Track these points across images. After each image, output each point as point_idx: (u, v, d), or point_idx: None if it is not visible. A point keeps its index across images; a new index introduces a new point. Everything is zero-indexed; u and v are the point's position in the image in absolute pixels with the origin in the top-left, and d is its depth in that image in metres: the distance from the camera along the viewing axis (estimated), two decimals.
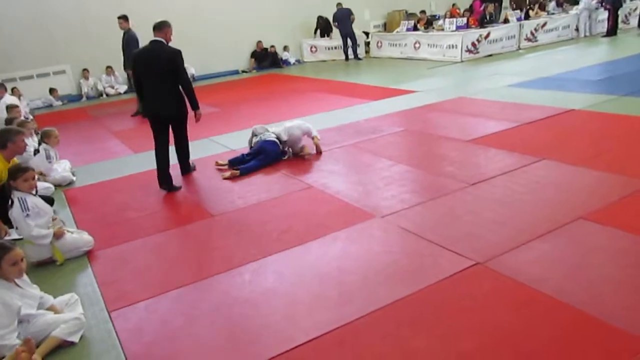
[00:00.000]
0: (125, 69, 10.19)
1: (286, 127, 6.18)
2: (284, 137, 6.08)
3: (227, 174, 5.70)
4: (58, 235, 4.01)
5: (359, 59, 15.44)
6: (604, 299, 2.86)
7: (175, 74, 5.33)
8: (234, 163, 5.97)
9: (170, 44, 5.46)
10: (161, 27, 5.42)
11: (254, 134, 6.27)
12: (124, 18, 9.74)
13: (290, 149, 6.17)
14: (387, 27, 17.29)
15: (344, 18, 14.85)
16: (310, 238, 3.98)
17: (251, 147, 6.20)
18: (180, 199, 5.16)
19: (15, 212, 3.87)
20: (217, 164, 6.13)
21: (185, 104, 5.56)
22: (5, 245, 2.99)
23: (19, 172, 3.94)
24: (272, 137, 6.04)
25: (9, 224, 4.29)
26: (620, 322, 2.65)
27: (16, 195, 3.89)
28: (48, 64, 12.78)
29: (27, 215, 3.86)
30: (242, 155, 6.11)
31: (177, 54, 5.32)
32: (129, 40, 9.63)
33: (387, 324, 2.85)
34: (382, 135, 6.73)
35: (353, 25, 15.02)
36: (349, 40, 15.21)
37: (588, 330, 2.63)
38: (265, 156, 5.91)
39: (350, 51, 15.38)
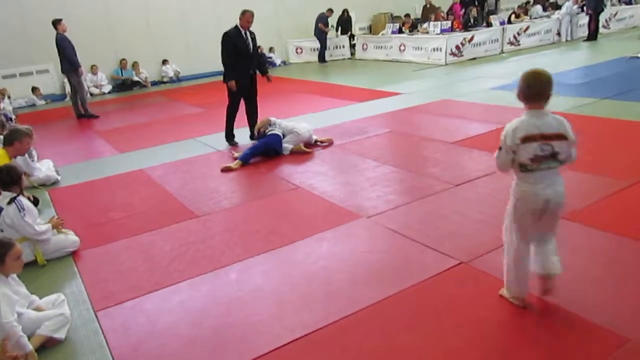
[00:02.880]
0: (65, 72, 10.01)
1: (292, 128, 6.39)
2: (287, 135, 6.34)
3: (231, 164, 5.94)
4: (56, 225, 4.10)
5: (324, 62, 15.79)
6: (585, 297, 2.93)
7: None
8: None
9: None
10: (240, 15, 6.71)
11: (269, 124, 6.45)
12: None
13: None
14: (372, 29, 17.39)
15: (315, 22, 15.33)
16: (297, 238, 4.01)
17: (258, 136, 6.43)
18: (166, 199, 5.15)
19: (12, 214, 3.83)
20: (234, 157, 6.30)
21: (231, 74, 6.73)
22: (9, 240, 3.03)
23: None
24: (277, 132, 6.28)
25: None
26: (599, 319, 2.72)
27: (8, 197, 3.87)
28: (31, 63, 12.62)
29: (24, 214, 3.85)
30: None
31: (223, 35, 6.63)
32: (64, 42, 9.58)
33: (373, 323, 2.89)
34: (368, 136, 6.79)
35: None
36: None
37: (569, 327, 2.70)
38: (265, 144, 6.13)
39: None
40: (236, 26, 6.70)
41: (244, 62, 6.74)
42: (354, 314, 2.98)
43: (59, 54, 9.66)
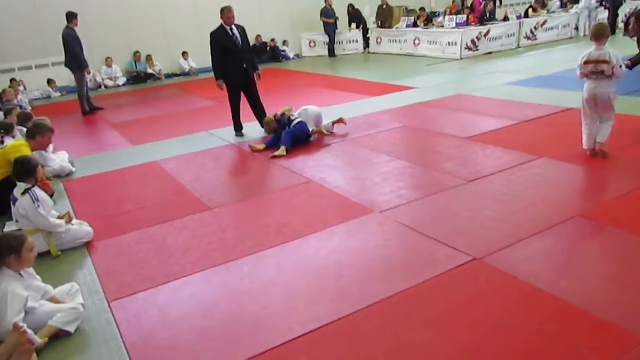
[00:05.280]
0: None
1: (301, 111, 6.63)
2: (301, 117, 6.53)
3: (276, 153, 6.02)
4: (68, 222, 4.14)
5: (334, 55, 15.85)
6: (600, 296, 2.89)
7: None
8: (270, 146, 6.29)
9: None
10: (220, 14, 6.73)
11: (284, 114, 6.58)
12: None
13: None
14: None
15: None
16: (309, 232, 4.00)
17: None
18: (179, 192, 5.18)
19: (26, 205, 3.88)
20: (253, 149, 6.35)
21: (226, 72, 6.83)
22: (22, 233, 3.09)
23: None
24: (300, 119, 6.46)
25: (6, 215, 4.33)
26: (614, 317, 2.68)
27: (23, 188, 3.92)
28: (47, 56, 12.74)
29: (39, 206, 3.89)
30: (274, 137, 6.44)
31: (210, 36, 6.82)
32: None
33: (385, 318, 2.88)
34: (381, 131, 6.75)
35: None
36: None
37: (583, 326, 2.66)
38: (296, 128, 6.29)
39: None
40: (221, 25, 6.74)
41: (234, 58, 6.79)
42: (365, 308, 2.96)
43: (65, 48, 9.58)
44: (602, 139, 4.93)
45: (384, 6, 15.81)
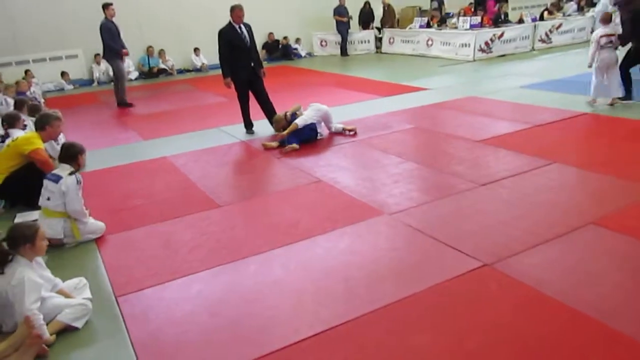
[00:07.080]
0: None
1: (309, 109, 6.61)
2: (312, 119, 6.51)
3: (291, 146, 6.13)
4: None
5: (346, 54, 15.77)
6: (613, 306, 2.84)
7: None
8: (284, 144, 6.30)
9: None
10: (230, 12, 6.72)
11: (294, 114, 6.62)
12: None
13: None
14: (399, 23, 17.17)
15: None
16: (318, 232, 3.98)
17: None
18: (188, 188, 5.18)
19: (70, 183, 3.98)
20: (266, 146, 6.36)
21: (234, 70, 6.86)
22: (34, 223, 3.15)
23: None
24: (311, 121, 6.45)
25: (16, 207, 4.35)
26: (623, 327, 2.63)
27: (68, 169, 4.04)
28: (61, 48, 12.81)
29: (80, 188, 4.04)
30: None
31: (218, 33, 6.79)
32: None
33: (392, 321, 2.85)
34: (392, 131, 6.71)
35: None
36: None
37: (591, 335, 2.62)
38: (301, 133, 6.30)
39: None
40: (230, 22, 6.73)
41: (242, 56, 6.80)
42: (373, 311, 2.94)
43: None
44: (609, 93, 7.10)
45: (386, 7, 15.77)
